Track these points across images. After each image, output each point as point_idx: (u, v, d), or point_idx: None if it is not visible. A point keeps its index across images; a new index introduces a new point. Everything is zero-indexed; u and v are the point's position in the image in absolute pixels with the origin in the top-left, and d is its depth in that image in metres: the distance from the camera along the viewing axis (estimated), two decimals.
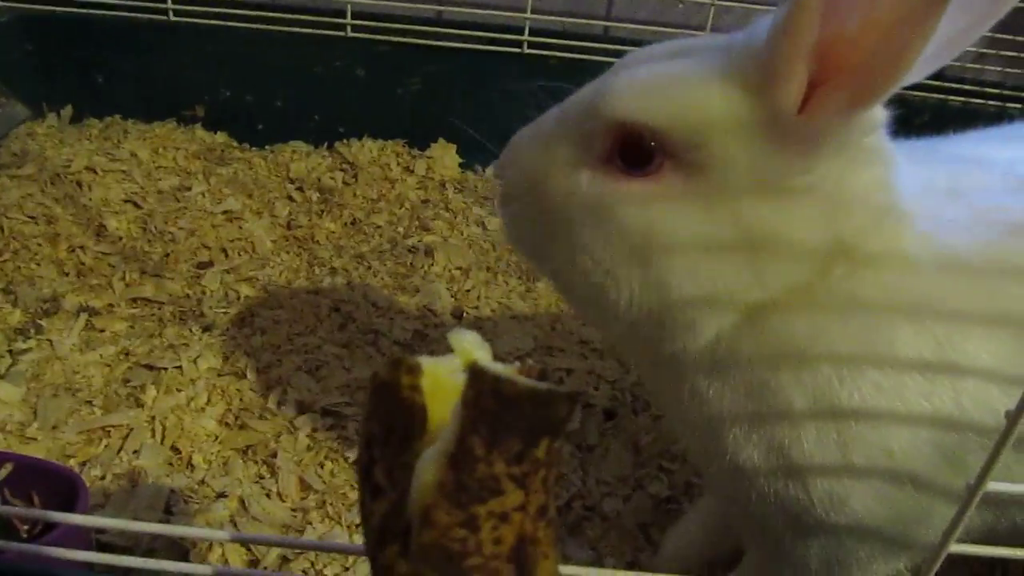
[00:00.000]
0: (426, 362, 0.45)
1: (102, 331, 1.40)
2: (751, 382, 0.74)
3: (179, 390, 1.29)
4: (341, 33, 1.86)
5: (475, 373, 0.41)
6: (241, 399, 1.29)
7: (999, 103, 1.91)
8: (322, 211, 1.74)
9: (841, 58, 0.63)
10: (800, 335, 0.72)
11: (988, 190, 0.78)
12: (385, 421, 0.44)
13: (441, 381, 0.46)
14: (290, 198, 1.79)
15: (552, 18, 1.88)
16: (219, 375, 1.33)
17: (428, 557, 0.42)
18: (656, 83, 0.72)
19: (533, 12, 1.83)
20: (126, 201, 1.69)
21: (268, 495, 1.15)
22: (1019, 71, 1.91)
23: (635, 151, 0.72)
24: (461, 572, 0.41)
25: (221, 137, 1.94)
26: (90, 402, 1.27)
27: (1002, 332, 0.72)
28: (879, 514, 0.76)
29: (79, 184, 1.70)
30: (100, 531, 1.07)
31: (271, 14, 1.88)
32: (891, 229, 0.72)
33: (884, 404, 0.71)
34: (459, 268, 1.59)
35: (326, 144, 1.94)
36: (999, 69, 1.93)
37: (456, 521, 0.41)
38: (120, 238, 1.60)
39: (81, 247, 1.56)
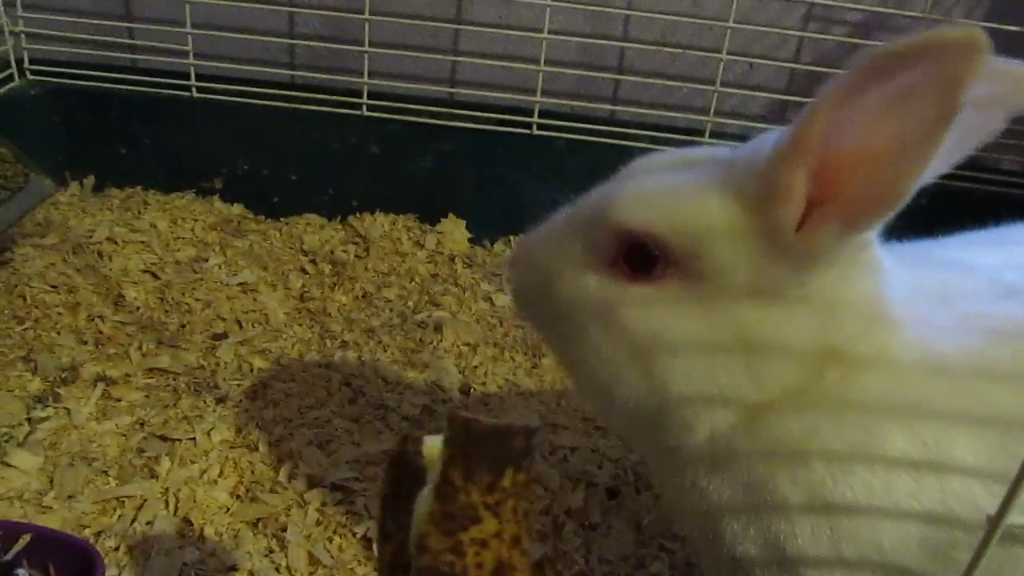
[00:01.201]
0: (429, 439, 0.55)
1: (119, 400, 1.44)
2: (749, 478, 0.78)
3: (192, 462, 1.32)
4: (357, 112, 1.94)
5: (451, 417, 0.50)
6: (252, 472, 1.32)
7: (994, 187, 1.96)
8: (334, 284, 1.79)
9: (839, 184, 0.68)
10: (795, 435, 0.76)
11: (975, 296, 0.82)
12: (395, 482, 0.54)
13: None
14: (303, 270, 1.84)
15: (561, 101, 1.95)
16: (232, 447, 1.36)
17: None
18: (659, 193, 0.77)
19: (543, 95, 1.91)
20: (145, 271, 1.74)
21: (277, 569, 1.18)
22: (1014, 157, 1.97)
23: (639, 257, 0.77)
24: None
25: (238, 209, 2.01)
26: (105, 472, 1.30)
27: (986, 434, 0.75)
28: None
29: (100, 254, 1.75)
30: None
31: (290, 92, 1.95)
32: (881, 336, 0.76)
33: (875, 502, 0.75)
34: (467, 344, 1.63)
35: (339, 217, 2.00)
36: (994, 155, 1.99)
37: (445, 546, 0.50)
38: (138, 308, 1.65)
39: (100, 316, 1.60)
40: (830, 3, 1.88)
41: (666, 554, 1.25)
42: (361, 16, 1.86)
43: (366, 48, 1.88)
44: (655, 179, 0.79)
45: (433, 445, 0.54)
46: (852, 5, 1.88)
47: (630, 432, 0.86)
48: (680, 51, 1.94)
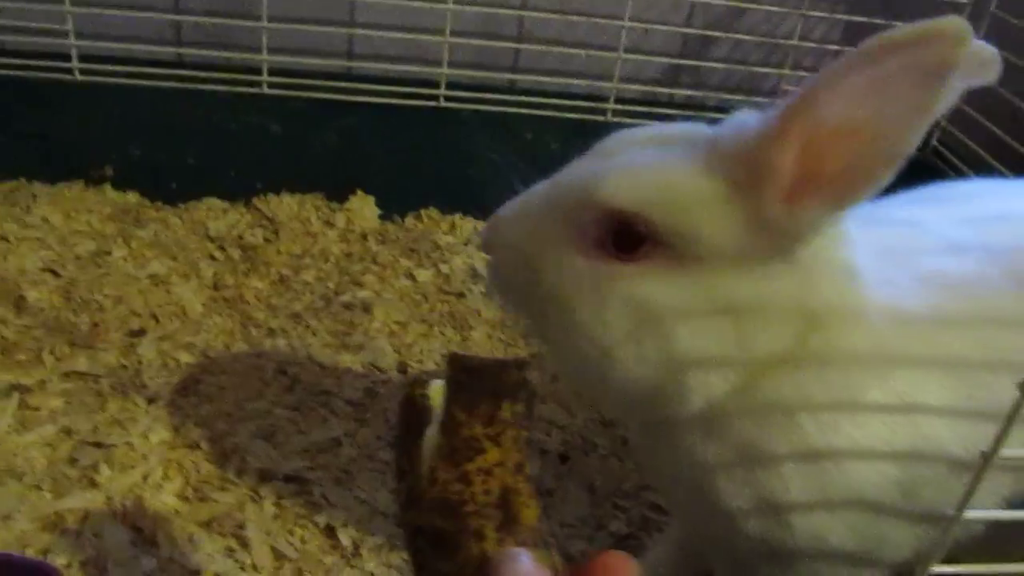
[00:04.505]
0: (434, 382, 0.59)
1: (37, 409, 1.36)
2: (741, 438, 0.82)
3: (133, 467, 1.27)
4: (255, 90, 1.87)
5: (451, 356, 0.55)
6: (198, 471, 1.29)
7: None
8: (248, 270, 1.74)
9: (824, 164, 0.72)
10: (785, 395, 0.80)
11: (926, 254, 0.89)
12: (405, 423, 0.57)
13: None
14: (212, 257, 1.77)
15: (463, 72, 1.94)
16: (172, 448, 1.32)
17: (436, 509, 0.53)
18: (648, 174, 0.79)
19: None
20: (44, 270, 1.64)
21: (243, 568, 1.16)
22: None
23: (627, 236, 0.79)
24: (461, 518, 0.52)
25: (133, 197, 1.90)
26: (38, 486, 1.23)
27: (949, 380, 0.83)
28: (851, 542, 0.86)
29: None
30: None
31: (182, 72, 1.86)
32: (855, 298, 0.81)
33: (858, 452, 0.81)
34: (398, 322, 1.63)
35: (243, 200, 1.93)
36: None
37: (453, 477, 0.53)
38: (43, 309, 1.55)
39: (2, 321, 1.50)
40: None
41: (621, 512, 1.30)
42: None
43: (264, 23, 1.81)
44: (638, 159, 0.80)
45: (437, 387, 0.58)
46: None
47: (623, 408, 0.89)
48: (579, 18, 1.95)
